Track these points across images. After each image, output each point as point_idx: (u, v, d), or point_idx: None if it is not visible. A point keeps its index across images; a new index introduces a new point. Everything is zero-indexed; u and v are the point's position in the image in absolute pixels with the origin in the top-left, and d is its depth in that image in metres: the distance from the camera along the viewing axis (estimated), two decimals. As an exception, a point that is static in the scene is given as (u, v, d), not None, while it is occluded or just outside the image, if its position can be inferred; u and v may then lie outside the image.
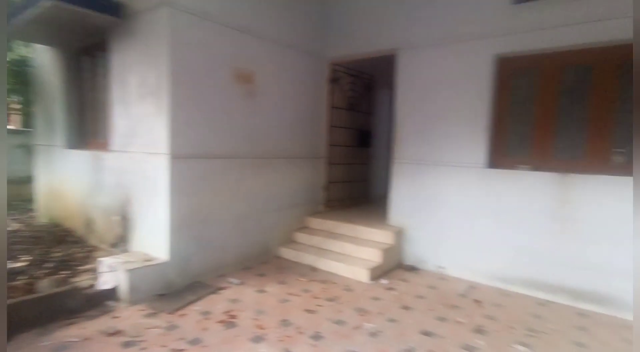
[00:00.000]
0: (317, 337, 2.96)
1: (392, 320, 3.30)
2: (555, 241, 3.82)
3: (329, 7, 5.43)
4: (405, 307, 3.58)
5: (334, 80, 5.67)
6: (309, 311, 3.41)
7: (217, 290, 3.79)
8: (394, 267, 4.70)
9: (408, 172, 4.77)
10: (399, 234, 4.78)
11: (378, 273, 4.35)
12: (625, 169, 3.56)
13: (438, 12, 4.47)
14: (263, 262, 4.73)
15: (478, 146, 4.26)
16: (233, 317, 3.23)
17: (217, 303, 3.50)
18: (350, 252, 4.66)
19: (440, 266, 4.57)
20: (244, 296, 3.68)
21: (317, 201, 5.68)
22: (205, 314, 3.28)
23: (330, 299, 3.69)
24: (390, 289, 4.04)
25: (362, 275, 4.24)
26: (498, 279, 4.16)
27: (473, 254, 4.33)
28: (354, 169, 6.44)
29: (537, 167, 4.01)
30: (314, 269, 4.54)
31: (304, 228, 5.33)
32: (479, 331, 3.16)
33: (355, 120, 6.34)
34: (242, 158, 4.39)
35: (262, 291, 3.82)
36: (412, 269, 4.68)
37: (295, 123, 5.14)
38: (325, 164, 5.72)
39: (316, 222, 5.33)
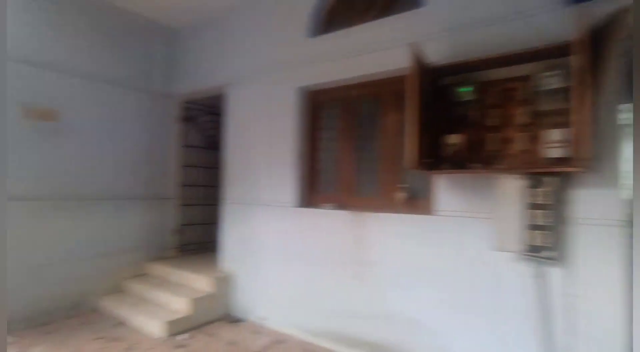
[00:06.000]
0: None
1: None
2: (352, 286, 3.43)
3: (171, 45, 5.30)
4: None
5: (187, 118, 5.47)
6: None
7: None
8: (216, 318, 4.21)
9: (237, 213, 4.43)
10: (224, 281, 4.34)
11: (182, 326, 3.86)
12: (405, 206, 3.26)
13: (254, 48, 4.37)
14: (69, 316, 4.21)
15: (289, 183, 3.98)
16: None
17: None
18: (165, 303, 4.19)
19: (262, 317, 4.10)
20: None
21: (165, 245, 5.26)
22: None
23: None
24: (181, 346, 3.55)
25: (156, 329, 3.75)
26: (309, 332, 3.70)
27: (287, 302, 3.90)
28: (214, 210, 6.03)
29: (341, 205, 3.70)
30: (120, 324, 4.04)
31: (140, 276, 4.87)
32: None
33: (217, 160, 6.04)
34: (43, 200, 4.04)
35: (17, 354, 3.33)
36: (237, 321, 4.19)
37: (134, 163, 4.85)
38: (177, 205, 5.37)
39: (156, 269, 4.88)
